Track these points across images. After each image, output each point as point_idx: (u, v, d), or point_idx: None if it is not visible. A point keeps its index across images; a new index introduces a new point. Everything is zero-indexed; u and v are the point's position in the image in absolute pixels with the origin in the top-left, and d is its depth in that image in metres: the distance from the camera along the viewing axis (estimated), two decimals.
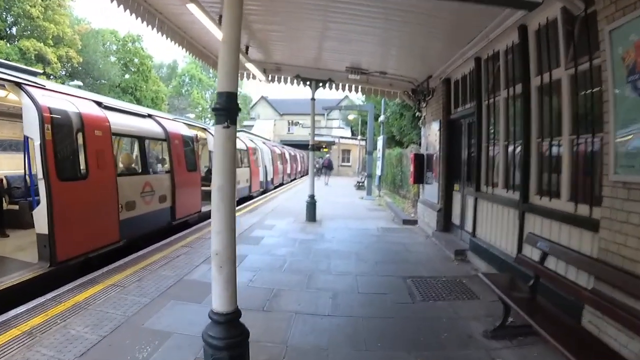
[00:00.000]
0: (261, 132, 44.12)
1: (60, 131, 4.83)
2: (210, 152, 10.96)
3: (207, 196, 11.60)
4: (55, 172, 4.59)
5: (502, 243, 5.12)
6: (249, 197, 14.09)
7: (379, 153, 17.08)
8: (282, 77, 9.99)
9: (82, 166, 5.24)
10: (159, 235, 7.32)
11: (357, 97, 35.71)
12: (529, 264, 3.64)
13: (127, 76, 40.96)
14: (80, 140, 5.20)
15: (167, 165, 7.95)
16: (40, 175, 4.49)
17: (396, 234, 8.29)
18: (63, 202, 4.69)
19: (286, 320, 3.76)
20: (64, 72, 33.79)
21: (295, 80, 9.85)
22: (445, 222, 7.69)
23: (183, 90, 58.90)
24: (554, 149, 4.16)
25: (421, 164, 9.17)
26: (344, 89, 10.04)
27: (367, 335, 3.51)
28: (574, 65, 3.67)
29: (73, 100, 5.35)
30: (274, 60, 9.00)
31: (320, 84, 9.59)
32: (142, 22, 5.13)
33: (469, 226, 6.52)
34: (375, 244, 7.27)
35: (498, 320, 3.54)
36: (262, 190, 16.31)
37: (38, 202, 4.59)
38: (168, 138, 7.81)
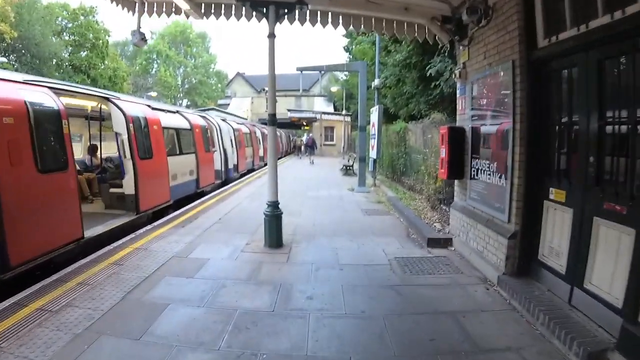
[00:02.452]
0: (237, 110, 39.65)
1: None
2: (116, 134, 6.91)
3: (119, 203, 7.50)
4: None
5: None
6: (198, 195, 10.11)
7: (372, 129, 13.19)
8: (222, 4, 5.99)
9: None
10: None
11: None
12: None
13: (83, 54, 35.31)
14: None
15: None
16: None
17: (426, 277, 4.49)
18: None
19: None
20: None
21: (243, 9, 5.86)
22: (525, 260, 4.00)
23: (152, 69, 53.21)
24: None
25: (460, 144, 5.38)
26: (324, 23, 6.06)
27: None
28: None
29: None
30: None
31: (285, 11, 5.54)
32: None
33: (605, 288, 2.85)
34: (397, 320, 3.44)
35: None
36: (219, 182, 12.25)
37: None
38: None
